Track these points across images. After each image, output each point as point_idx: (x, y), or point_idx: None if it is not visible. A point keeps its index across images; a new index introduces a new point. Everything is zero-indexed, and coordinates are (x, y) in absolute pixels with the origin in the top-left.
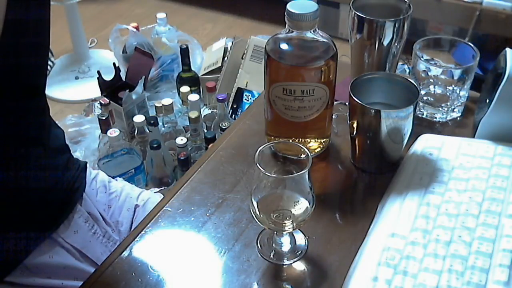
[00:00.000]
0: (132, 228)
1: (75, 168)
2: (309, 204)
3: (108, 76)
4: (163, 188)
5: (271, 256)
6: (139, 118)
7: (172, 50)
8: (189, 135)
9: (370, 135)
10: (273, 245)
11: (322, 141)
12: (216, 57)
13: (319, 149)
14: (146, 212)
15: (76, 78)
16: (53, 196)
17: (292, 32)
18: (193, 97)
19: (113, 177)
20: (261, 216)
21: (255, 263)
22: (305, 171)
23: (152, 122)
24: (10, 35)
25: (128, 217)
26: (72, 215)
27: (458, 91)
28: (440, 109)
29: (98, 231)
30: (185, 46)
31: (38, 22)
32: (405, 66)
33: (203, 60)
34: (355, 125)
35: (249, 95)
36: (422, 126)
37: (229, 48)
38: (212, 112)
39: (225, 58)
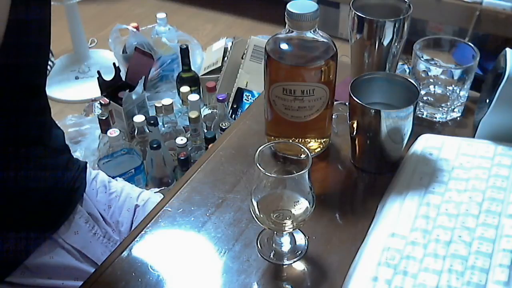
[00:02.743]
0: (132, 228)
1: (75, 168)
2: (309, 204)
3: (108, 76)
4: (163, 188)
5: (271, 256)
6: (139, 118)
7: (172, 50)
8: (189, 135)
9: (370, 135)
10: (273, 245)
11: (322, 141)
12: (216, 57)
13: (319, 149)
14: (146, 212)
15: (76, 78)
16: (53, 196)
17: (292, 32)
18: (193, 97)
19: (113, 177)
20: (261, 216)
21: (255, 263)
22: (305, 171)
23: (152, 122)
24: (13, 35)
25: (128, 217)
26: (73, 216)
27: (458, 91)
28: (440, 109)
29: (99, 231)
30: (185, 46)
31: (39, 22)
32: (405, 66)
33: (203, 60)
34: (355, 125)
35: (249, 95)
36: (422, 126)
37: (229, 48)
38: (212, 112)
39: (225, 58)
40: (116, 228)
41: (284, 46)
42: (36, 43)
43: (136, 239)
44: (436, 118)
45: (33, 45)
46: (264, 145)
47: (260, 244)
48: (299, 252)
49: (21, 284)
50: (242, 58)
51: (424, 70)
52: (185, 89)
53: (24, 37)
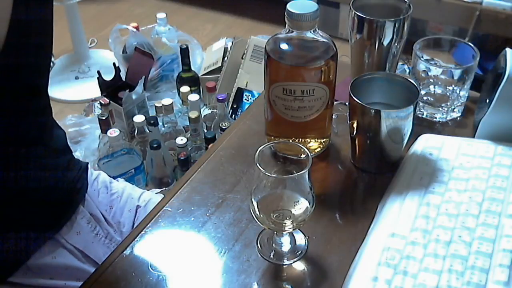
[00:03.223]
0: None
1: (77, 169)
2: (309, 204)
3: (108, 76)
4: (164, 189)
5: (271, 256)
6: (139, 118)
7: (172, 50)
8: (189, 135)
9: (370, 135)
10: (273, 245)
11: (322, 141)
12: (216, 57)
13: (319, 149)
14: (148, 213)
15: (76, 78)
16: (54, 196)
17: (292, 32)
18: (193, 97)
19: (113, 177)
20: (261, 216)
21: (255, 263)
22: (305, 171)
23: (152, 122)
24: (14, 36)
25: (130, 218)
26: (75, 216)
27: (458, 91)
28: (440, 109)
29: (100, 232)
30: (185, 46)
31: (40, 23)
32: (405, 66)
33: (203, 60)
34: (355, 125)
35: (249, 95)
36: (422, 126)
37: (229, 48)
38: (212, 112)
39: (225, 58)
40: (117, 229)
41: (284, 46)
42: (37, 43)
43: (136, 239)
44: (436, 118)
45: (35, 45)
46: (264, 145)
47: (260, 244)
48: (299, 252)
49: (23, 284)
50: (242, 58)
51: (424, 70)
52: (185, 89)
53: (25, 37)
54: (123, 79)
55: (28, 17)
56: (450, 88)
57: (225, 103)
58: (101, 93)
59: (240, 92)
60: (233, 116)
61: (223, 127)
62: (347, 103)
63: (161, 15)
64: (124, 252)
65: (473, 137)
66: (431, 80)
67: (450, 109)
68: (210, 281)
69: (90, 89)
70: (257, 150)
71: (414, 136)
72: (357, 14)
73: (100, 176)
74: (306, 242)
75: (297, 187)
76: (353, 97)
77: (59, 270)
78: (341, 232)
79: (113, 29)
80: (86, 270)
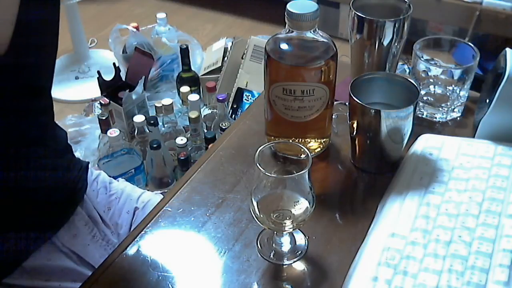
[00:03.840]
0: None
1: (77, 169)
2: (309, 204)
3: (108, 76)
4: (165, 190)
5: (271, 256)
6: (139, 118)
7: (172, 50)
8: (189, 135)
9: (370, 135)
10: (273, 245)
11: (322, 141)
12: (216, 57)
13: (319, 149)
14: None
15: (76, 78)
16: (54, 196)
17: (292, 32)
18: (193, 97)
19: (114, 177)
20: (261, 216)
21: (255, 263)
22: (305, 171)
23: (152, 122)
24: (19, 36)
25: (128, 220)
26: (73, 217)
27: (458, 91)
28: (440, 109)
29: (98, 234)
30: (185, 46)
31: (41, 23)
32: (405, 66)
33: (203, 60)
34: (355, 125)
35: (249, 95)
36: (422, 126)
37: (229, 48)
38: (212, 112)
39: (225, 58)
40: (115, 231)
41: (284, 46)
42: (38, 44)
43: (136, 239)
44: (436, 118)
45: (36, 46)
46: (264, 145)
47: (260, 244)
48: (299, 252)
49: (19, 285)
50: (242, 58)
51: (424, 70)
52: (185, 89)
53: (26, 37)
54: (123, 79)
55: (28, 17)
56: (450, 88)
57: (225, 103)
58: (101, 93)
59: (240, 92)
60: (233, 116)
61: (223, 127)
62: (347, 103)
63: (161, 15)
64: (124, 252)
65: (473, 137)
66: (431, 80)
67: (450, 109)
68: (210, 281)
69: (90, 89)
70: (257, 150)
71: (414, 136)
72: (357, 14)
73: (100, 176)
74: (306, 242)
75: (297, 187)
76: (353, 97)
77: (55, 272)
78: (341, 232)
79: (113, 29)
80: (82, 272)
